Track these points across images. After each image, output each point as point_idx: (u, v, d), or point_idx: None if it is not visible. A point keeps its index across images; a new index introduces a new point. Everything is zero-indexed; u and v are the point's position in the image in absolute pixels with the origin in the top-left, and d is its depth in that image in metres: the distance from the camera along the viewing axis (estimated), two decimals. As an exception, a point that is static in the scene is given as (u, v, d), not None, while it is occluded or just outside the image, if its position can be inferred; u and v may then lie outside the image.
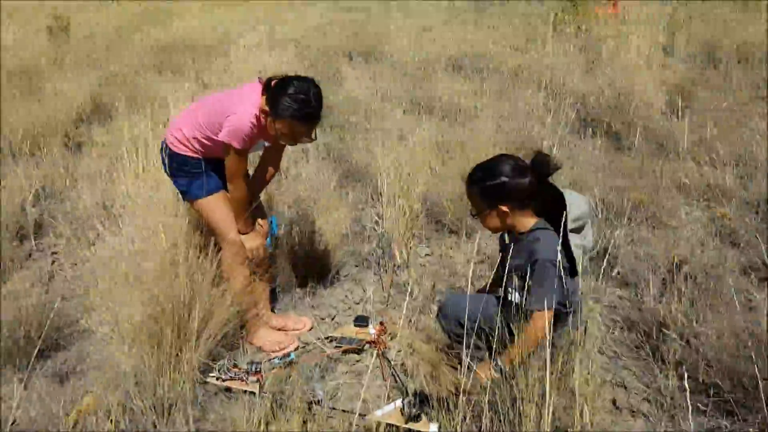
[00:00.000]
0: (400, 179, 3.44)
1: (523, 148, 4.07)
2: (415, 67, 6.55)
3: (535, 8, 9.69)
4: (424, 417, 2.19)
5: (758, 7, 7.25)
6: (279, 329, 2.84)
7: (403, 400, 2.22)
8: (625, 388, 2.37)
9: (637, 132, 4.53)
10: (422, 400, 2.24)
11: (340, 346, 2.70)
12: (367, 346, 2.71)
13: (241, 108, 2.42)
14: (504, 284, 2.33)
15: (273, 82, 2.44)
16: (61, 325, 2.85)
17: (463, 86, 6.00)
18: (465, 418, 2.07)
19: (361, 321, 2.83)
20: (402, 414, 2.22)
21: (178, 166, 2.58)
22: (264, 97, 2.44)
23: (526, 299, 2.11)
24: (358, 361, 2.65)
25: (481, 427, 2.05)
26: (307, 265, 3.19)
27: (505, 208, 2.19)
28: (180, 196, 2.72)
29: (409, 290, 3.07)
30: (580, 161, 4.14)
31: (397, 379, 2.49)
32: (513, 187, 2.17)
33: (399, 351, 2.68)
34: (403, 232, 3.34)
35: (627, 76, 5.20)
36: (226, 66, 6.36)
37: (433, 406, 2.19)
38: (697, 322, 2.48)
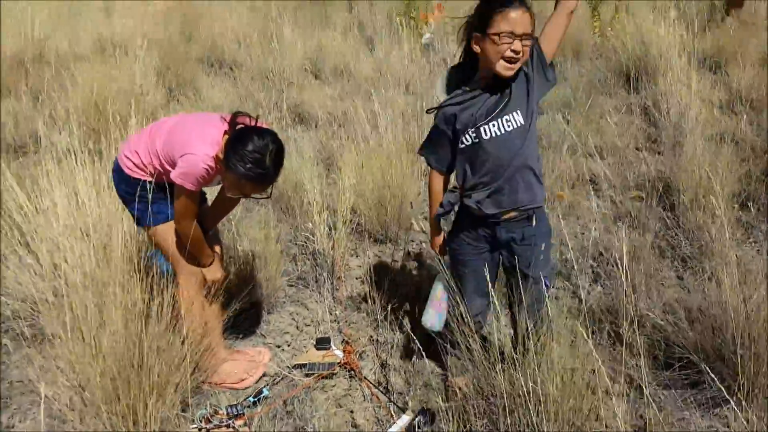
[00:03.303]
0: (325, 194, 3.36)
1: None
2: (276, 76, 6.38)
3: (365, 13, 9.89)
4: (433, 433, 2.18)
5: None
6: (237, 365, 2.64)
7: (414, 418, 2.19)
8: (593, 372, 2.54)
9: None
10: (430, 417, 2.22)
11: (312, 373, 2.58)
12: (338, 368, 2.62)
13: (199, 146, 2.16)
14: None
15: (238, 127, 2.21)
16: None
17: (330, 91, 5.99)
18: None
19: (324, 343, 2.73)
20: (411, 433, 2.19)
21: (133, 190, 2.30)
22: (226, 137, 2.20)
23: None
24: (334, 386, 2.56)
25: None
26: (242, 291, 3.00)
27: None
28: (134, 222, 2.45)
29: (363, 306, 3.03)
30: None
31: (389, 396, 2.44)
32: None
33: (372, 369, 2.64)
34: (337, 246, 3.26)
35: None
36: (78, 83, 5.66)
37: (441, 419, 2.18)
38: (640, 302, 2.75)
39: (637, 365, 2.50)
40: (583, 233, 3.51)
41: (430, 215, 2.33)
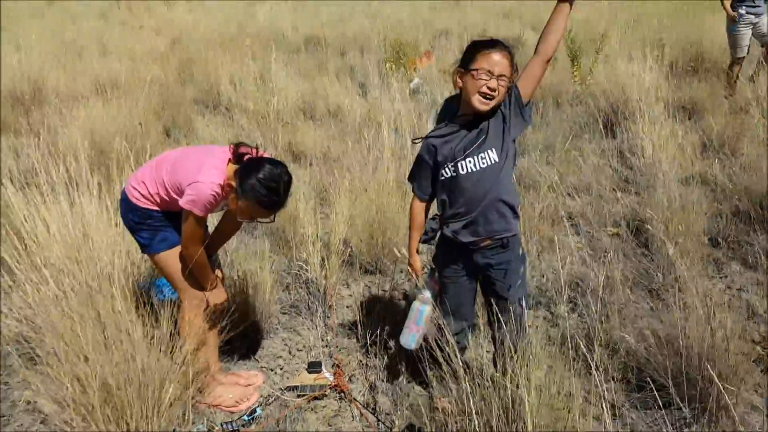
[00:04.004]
0: (318, 226, 3.54)
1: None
2: (271, 116, 6.61)
3: (357, 59, 10.23)
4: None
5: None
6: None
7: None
8: (570, 394, 2.69)
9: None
10: (415, 432, 2.36)
11: (304, 395, 2.71)
12: (328, 390, 2.75)
13: (205, 175, 2.34)
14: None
15: (246, 158, 2.40)
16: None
17: (323, 131, 6.22)
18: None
19: (315, 367, 2.86)
20: (397, 449, 2.31)
21: (140, 219, 2.48)
22: (230, 165, 2.39)
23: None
24: (324, 406, 2.69)
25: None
26: (237, 317, 3.13)
27: None
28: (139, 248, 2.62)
29: (353, 332, 3.17)
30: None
31: (377, 416, 2.57)
32: None
33: (361, 391, 2.77)
34: (329, 276, 3.42)
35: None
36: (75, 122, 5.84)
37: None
38: (613, 330, 2.92)
39: (611, 388, 2.66)
40: (562, 266, 3.69)
41: (409, 238, 2.51)
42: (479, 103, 2.19)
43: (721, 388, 2.47)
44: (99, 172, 4.42)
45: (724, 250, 3.83)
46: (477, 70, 2.16)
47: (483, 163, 2.24)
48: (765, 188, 4.11)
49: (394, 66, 8.92)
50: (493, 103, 2.19)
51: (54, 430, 2.43)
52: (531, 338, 2.35)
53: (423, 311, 2.44)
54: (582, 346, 2.85)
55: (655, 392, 2.60)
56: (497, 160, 2.24)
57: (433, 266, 2.55)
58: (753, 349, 2.88)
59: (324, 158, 5.45)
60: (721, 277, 3.62)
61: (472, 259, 2.35)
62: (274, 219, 2.46)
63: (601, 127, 6.18)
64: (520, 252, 2.39)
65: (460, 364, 2.29)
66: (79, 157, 5.17)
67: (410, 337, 2.47)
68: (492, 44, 2.18)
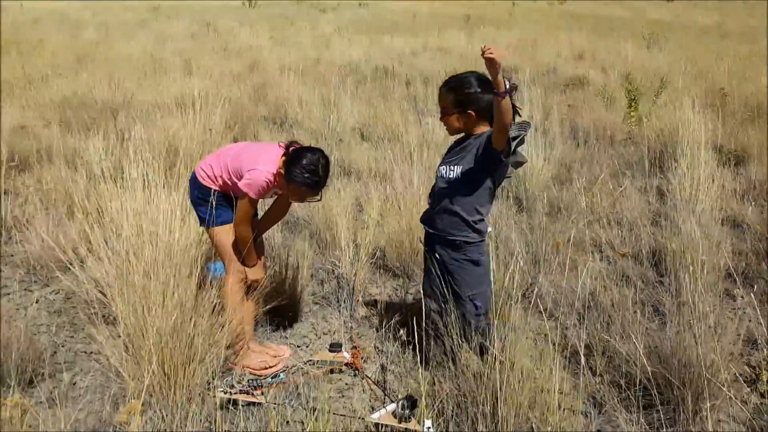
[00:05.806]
0: (355, 232, 3.93)
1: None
2: (329, 135, 7.12)
3: (420, 90, 10.67)
4: (413, 418, 2.61)
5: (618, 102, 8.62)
6: (262, 355, 3.16)
7: (398, 403, 2.63)
8: (563, 393, 2.93)
9: (536, 198, 5.36)
10: (412, 403, 2.66)
11: (322, 368, 3.07)
12: (344, 367, 3.10)
13: (262, 165, 2.80)
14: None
15: (291, 149, 2.86)
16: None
17: (376, 152, 6.65)
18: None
19: (336, 347, 3.21)
20: (395, 416, 2.62)
21: (202, 196, 2.93)
22: (281, 158, 2.84)
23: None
24: (339, 379, 3.03)
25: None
26: (275, 298, 3.51)
27: (471, 113, 2.70)
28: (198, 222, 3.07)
29: (374, 323, 3.52)
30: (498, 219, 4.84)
31: (384, 391, 2.89)
32: (479, 98, 2.68)
33: (373, 371, 3.10)
34: (359, 274, 3.78)
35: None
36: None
37: (420, 407, 2.62)
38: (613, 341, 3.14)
39: (597, 391, 2.89)
40: (577, 285, 3.91)
41: None
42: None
43: (699, 396, 2.68)
44: (171, 171, 4.98)
45: (739, 284, 3.95)
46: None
47: (450, 174, 2.72)
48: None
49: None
50: (450, 129, 2.78)
51: (109, 369, 2.85)
52: (517, 330, 2.65)
53: None
54: (582, 353, 3.12)
55: (642, 394, 2.83)
56: (459, 176, 2.68)
57: None
58: (743, 369, 3.04)
59: (372, 174, 5.85)
60: (732, 309, 3.76)
61: (434, 247, 2.80)
62: (320, 197, 2.92)
63: (647, 166, 6.37)
64: (474, 257, 2.76)
65: (455, 347, 2.61)
66: (158, 156, 5.81)
67: None
68: (441, 87, 2.76)
